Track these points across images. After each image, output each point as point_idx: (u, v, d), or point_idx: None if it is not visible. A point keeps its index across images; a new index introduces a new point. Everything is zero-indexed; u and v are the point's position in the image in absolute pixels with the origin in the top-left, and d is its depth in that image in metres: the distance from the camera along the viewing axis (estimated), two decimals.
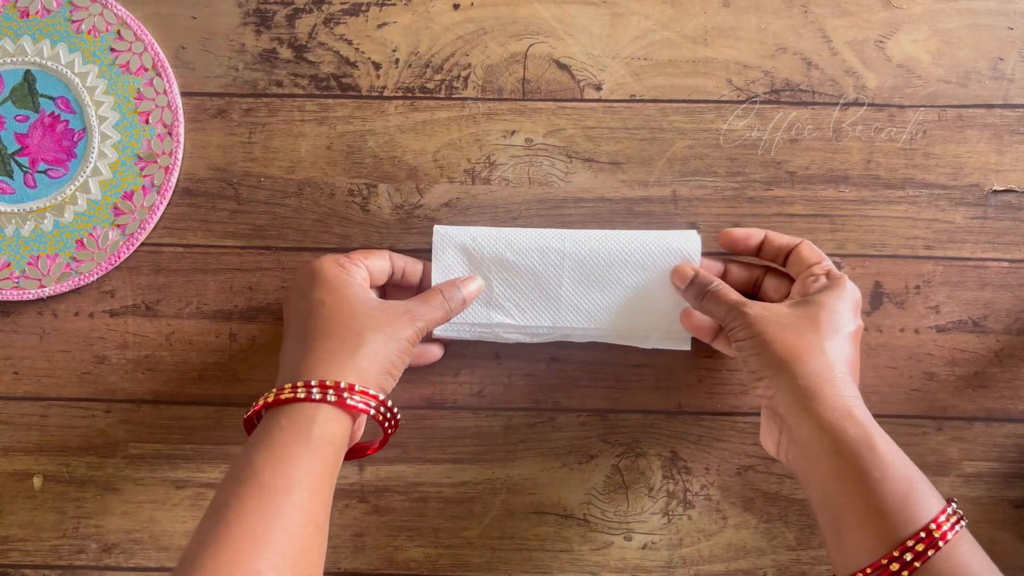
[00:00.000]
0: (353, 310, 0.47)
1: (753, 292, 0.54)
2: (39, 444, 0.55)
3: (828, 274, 0.50)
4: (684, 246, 0.52)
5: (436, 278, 0.53)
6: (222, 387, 0.55)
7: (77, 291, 0.56)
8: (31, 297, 0.55)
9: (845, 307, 0.48)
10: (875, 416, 0.55)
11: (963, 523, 0.41)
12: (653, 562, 0.55)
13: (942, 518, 0.41)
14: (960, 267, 0.55)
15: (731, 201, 0.55)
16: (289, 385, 0.45)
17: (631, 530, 0.55)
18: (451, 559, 0.55)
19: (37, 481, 0.56)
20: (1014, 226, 0.55)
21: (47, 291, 0.55)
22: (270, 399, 0.45)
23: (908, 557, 0.40)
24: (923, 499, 0.41)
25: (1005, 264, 0.55)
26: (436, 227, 0.53)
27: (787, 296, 0.52)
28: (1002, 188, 0.55)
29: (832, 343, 0.46)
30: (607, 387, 0.55)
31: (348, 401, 0.45)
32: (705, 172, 0.55)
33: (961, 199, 0.55)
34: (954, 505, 0.42)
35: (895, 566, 0.40)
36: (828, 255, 0.55)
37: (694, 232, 0.53)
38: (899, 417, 0.55)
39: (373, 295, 0.50)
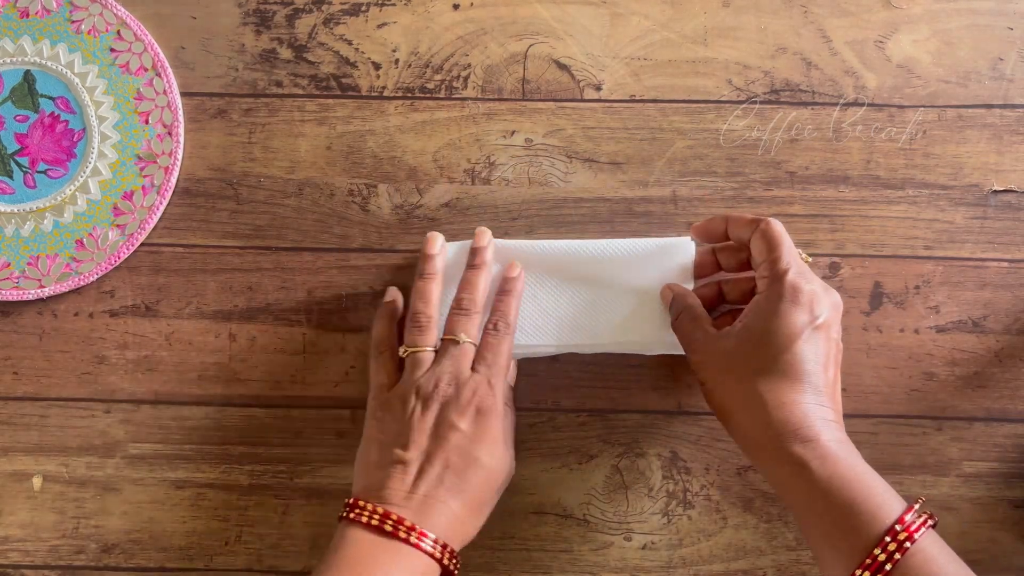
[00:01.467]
0: (493, 478, 0.47)
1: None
2: (39, 444, 0.55)
3: (770, 272, 0.47)
4: (678, 254, 0.52)
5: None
6: (222, 387, 0.55)
7: (77, 291, 0.56)
8: (31, 297, 0.55)
9: (784, 319, 0.45)
10: (875, 416, 0.55)
11: (929, 520, 0.41)
12: (653, 562, 0.55)
13: (908, 516, 0.41)
14: (960, 267, 0.55)
15: (731, 201, 0.55)
16: (409, 523, 0.44)
17: (631, 530, 0.55)
18: None
19: (37, 481, 0.56)
20: (1014, 226, 0.55)
21: (47, 291, 0.55)
22: (375, 515, 0.45)
23: (881, 557, 0.40)
24: (876, 511, 0.41)
25: (1005, 264, 0.55)
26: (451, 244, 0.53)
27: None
28: (1002, 188, 0.55)
29: (769, 373, 0.44)
30: (607, 387, 0.55)
31: (442, 558, 0.45)
32: (705, 172, 0.55)
33: (961, 199, 0.55)
34: (919, 507, 0.42)
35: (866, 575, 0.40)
36: (828, 255, 0.55)
37: (687, 239, 0.52)
38: (899, 417, 0.55)
39: (506, 447, 0.49)
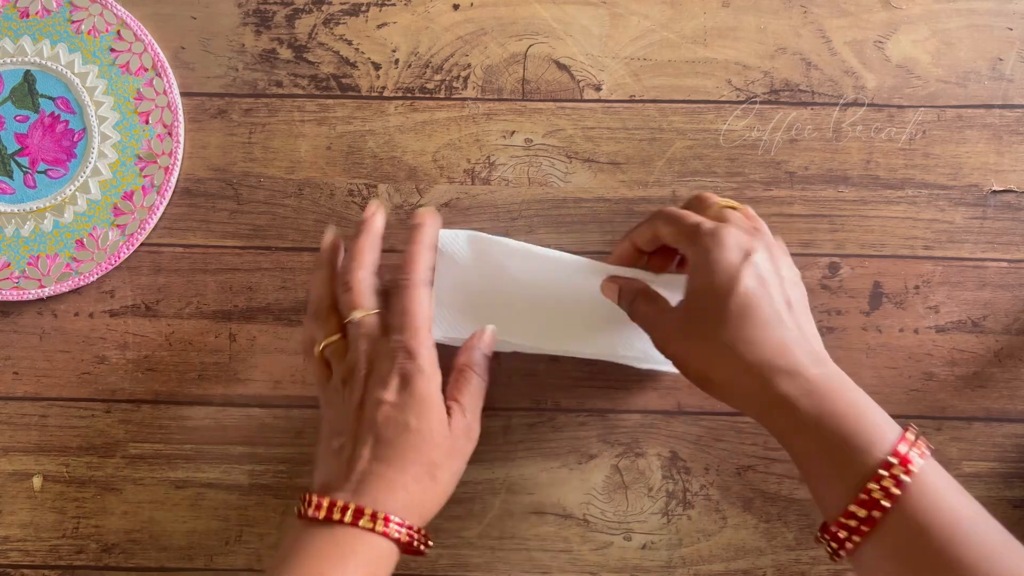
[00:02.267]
0: (431, 444, 0.45)
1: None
2: (39, 444, 0.55)
3: (688, 236, 0.46)
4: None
5: (438, 285, 0.50)
6: (222, 387, 0.55)
7: (77, 291, 0.56)
8: (31, 297, 0.55)
9: (717, 267, 0.44)
10: None
11: (926, 450, 0.40)
12: (653, 562, 0.55)
13: (902, 447, 0.40)
14: (959, 267, 0.55)
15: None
16: (343, 503, 0.43)
17: (631, 530, 0.55)
18: (451, 559, 0.55)
19: (37, 481, 0.56)
20: (1013, 226, 0.55)
21: (47, 291, 0.55)
22: (312, 502, 0.44)
23: (878, 494, 0.39)
24: (869, 439, 0.40)
25: (1004, 264, 0.55)
26: (440, 231, 0.51)
27: None
28: (1001, 188, 0.55)
29: (726, 324, 0.43)
30: (607, 387, 0.55)
31: (396, 536, 0.44)
32: (705, 172, 0.55)
33: (960, 199, 0.55)
34: (912, 431, 0.41)
35: (862, 512, 0.39)
36: (827, 255, 0.55)
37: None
38: (899, 417, 0.54)
39: (445, 415, 0.47)
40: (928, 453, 0.40)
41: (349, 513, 0.43)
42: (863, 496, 0.39)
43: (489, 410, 0.55)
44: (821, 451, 0.41)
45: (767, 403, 0.43)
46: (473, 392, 0.48)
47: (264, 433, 0.55)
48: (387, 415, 0.45)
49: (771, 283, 0.44)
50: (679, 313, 0.46)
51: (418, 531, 0.45)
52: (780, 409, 0.42)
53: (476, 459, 0.55)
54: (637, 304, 0.48)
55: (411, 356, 0.46)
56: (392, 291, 0.48)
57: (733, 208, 0.47)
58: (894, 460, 0.39)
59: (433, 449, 0.46)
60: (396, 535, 0.43)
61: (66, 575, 0.55)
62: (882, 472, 0.39)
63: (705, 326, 0.44)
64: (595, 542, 0.55)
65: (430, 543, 0.46)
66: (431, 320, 0.48)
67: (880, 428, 0.41)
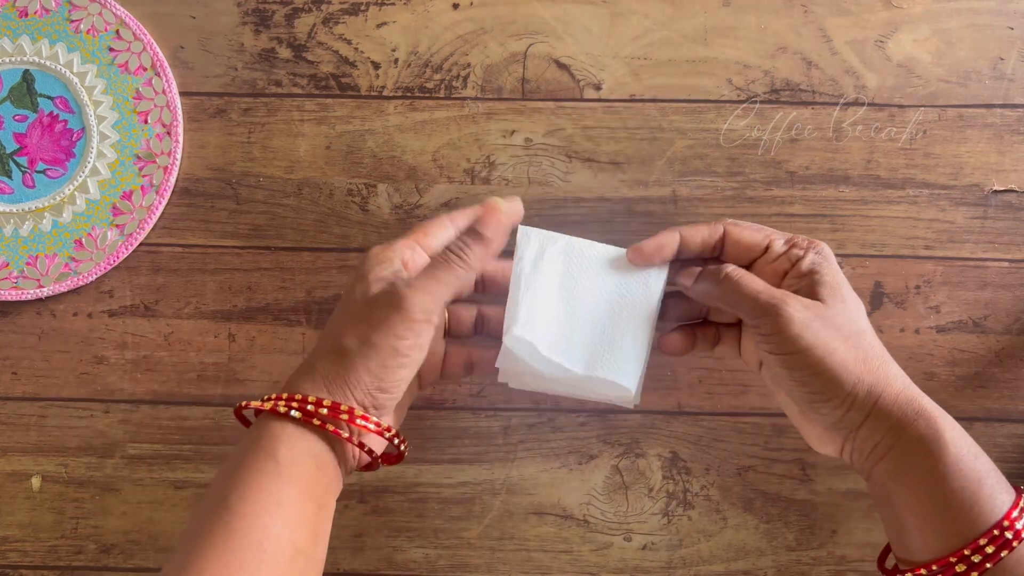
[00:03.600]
0: (345, 311, 0.42)
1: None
2: (37, 444, 0.55)
3: (796, 243, 0.45)
4: (646, 275, 0.47)
5: (515, 291, 0.46)
6: (221, 387, 0.55)
7: (76, 291, 0.55)
8: (30, 297, 0.55)
9: (853, 304, 0.44)
10: None
11: None
12: (653, 563, 0.55)
13: (1015, 513, 0.38)
14: (960, 267, 0.55)
15: (731, 201, 0.55)
16: (267, 396, 0.42)
17: (631, 531, 0.55)
18: (450, 560, 0.55)
19: (36, 481, 0.55)
20: (1014, 226, 0.55)
21: (46, 291, 0.55)
22: (244, 404, 0.42)
23: (976, 558, 0.38)
24: (993, 496, 0.39)
25: (1005, 264, 0.55)
26: (520, 227, 0.47)
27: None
28: (1002, 188, 0.55)
29: (868, 325, 0.43)
30: None
31: (315, 420, 0.40)
32: (705, 172, 0.55)
33: (961, 199, 0.55)
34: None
35: (961, 567, 0.38)
36: None
37: (660, 270, 0.48)
38: None
39: (379, 286, 0.42)
40: None
41: (268, 403, 0.41)
42: (965, 552, 0.38)
43: (489, 410, 0.55)
44: (945, 492, 0.39)
45: (903, 420, 0.41)
46: (436, 279, 0.42)
47: None
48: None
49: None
50: (814, 301, 0.42)
51: (321, 403, 0.41)
52: (915, 427, 0.41)
53: (476, 459, 0.55)
54: (745, 279, 0.43)
55: (385, 244, 0.44)
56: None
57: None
58: (1007, 524, 0.38)
59: (349, 309, 0.43)
60: (299, 408, 0.41)
61: (65, 575, 0.55)
62: (995, 533, 0.38)
63: (853, 321, 0.42)
64: (595, 543, 0.55)
65: (393, 435, 0.43)
66: (423, 236, 0.45)
67: (999, 482, 0.40)
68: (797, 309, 0.41)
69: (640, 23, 0.56)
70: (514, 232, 0.47)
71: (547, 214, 0.55)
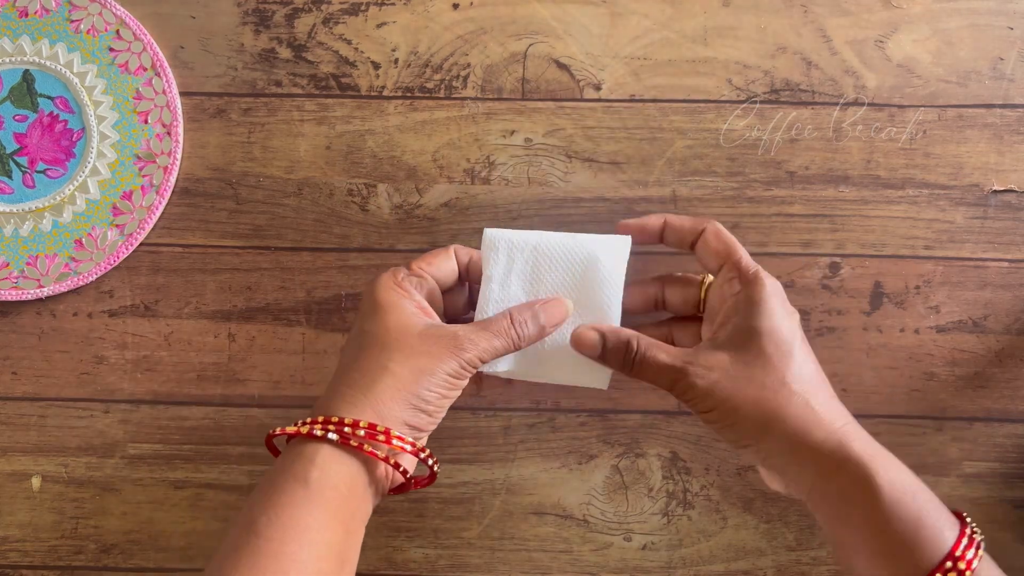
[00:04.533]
0: (386, 339, 0.43)
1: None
2: (38, 444, 0.55)
3: (739, 273, 0.45)
4: (611, 253, 0.48)
5: (485, 292, 0.48)
6: (221, 387, 0.55)
7: (76, 291, 0.55)
8: (30, 297, 0.55)
9: (778, 315, 0.43)
10: (875, 416, 0.55)
11: (982, 543, 0.39)
12: (653, 563, 0.55)
13: (961, 546, 0.39)
14: (960, 267, 0.55)
15: (731, 201, 0.55)
16: (301, 420, 0.42)
17: (631, 531, 0.55)
18: (450, 559, 0.55)
19: (36, 481, 0.55)
20: (1014, 226, 0.55)
21: (46, 291, 0.55)
22: (276, 431, 0.43)
23: None
24: (936, 533, 0.39)
25: (1005, 264, 0.55)
26: (487, 230, 0.49)
27: (702, 307, 0.48)
28: (1002, 188, 0.55)
29: (793, 370, 0.42)
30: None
31: (352, 441, 0.41)
32: (705, 172, 0.55)
33: (961, 199, 0.55)
34: (970, 526, 0.40)
35: None
36: (828, 255, 0.55)
37: (624, 237, 0.48)
38: (899, 417, 0.55)
39: (422, 320, 0.44)
40: (983, 547, 0.40)
41: (304, 427, 0.41)
42: None
43: (489, 410, 0.55)
44: (887, 531, 0.39)
45: (837, 467, 0.41)
46: (494, 332, 0.45)
47: (263, 433, 0.55)
48: (352, 333, 0.45)
49: (814, 361, 0.44)
50: (720, 356, 0.43)
51: (358, 424, 0.41)
52: (850, 475, 0.40)
53: (476, 459, 0.55)
54: (644, 352, 0.44)
55: (378, 274, 0.46)
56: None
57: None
58: (958, 555, 0.39)
59: (382, 350, 0.43)
60: (318, 431, 0.41)
61: (65, 575, 0.55)
62: (947, 565, 0.38)
63: (766, 374, 0.42)
64: (595, 543, 0.55)
65: (429, 457, 0.44)
66: (429, 265, 0.46)
67: (940, 517, 0.40)
68: (699, 376, 0.42)
69: (640, 23, 0.56)
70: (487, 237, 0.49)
71: (547, 214, 0.55)
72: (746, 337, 0.43)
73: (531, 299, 0.48)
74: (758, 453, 0.43)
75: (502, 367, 0.48)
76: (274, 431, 0.43)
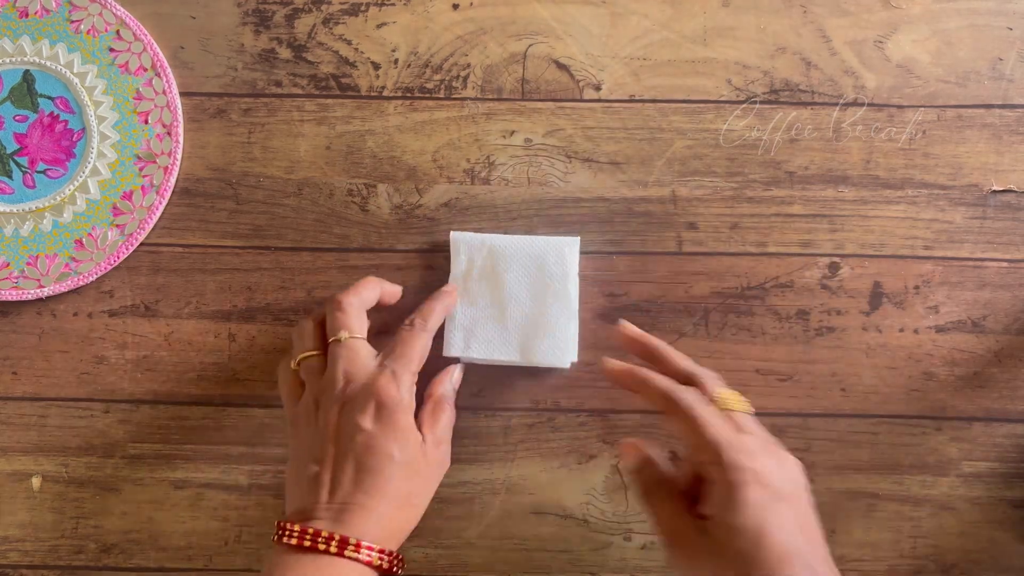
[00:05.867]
0: (413, 471, 0.47)
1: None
2: (38, 444, 0.55)
3: (719, 468, 0.42)
4: (561, 251, 0.53)
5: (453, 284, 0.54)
6: (221, 387, 0.55)
7: (76, 291, 0.56)
8: (30, 297, 0.55)
9: (744, 509, 0.41)
10: (874, 416, 0.55)
11: None
12: (653, 562, 0.55)
13: None
14: (959, 267, 0.55)
15: (731, 201, 0.55)
16: (327, 533, 0.44)
17: (631, 530, 0.55)
18: (450, 559, 0.55)
19: (36, 481, 0.55)
20: (1013, 226, 0.55)
21: (46, 291, 0.55)
22: (295, 532, 0.44)
23: None
24: None
25: (1004, 264, 0.55)
26: (452, 233, 0.54)
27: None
28: (1001, 188, 0.55)
29: (760, 570, 0.40)
30: (607, 387, 0.55)
31: (380, 563, 0.44)
32: (704, 172, 0.55)
33: (960, 199, 0.55)
34: None
35: None
36: (827, 255, 0.55)
37: (575, 238, 0.54)
38: (898, 417, 0.55)
39: (417, 435, 0.48)
40: None
41: (334, 543, 0.43)
42: None
43: (489, 410, 0.55)
44: None
45: None
46: (446, 423, 0.50)
47: (263, 433, 0.55)
48: (367, 443, 0.45)
49: (795, 523, 0.42)
50: (704, 540, 0.42)
51: (393, 555, 0.45)
52: None
53: (476, 459, 0.55)
54: (652, 491, 0.46)
55: (394, 381, 0.47)
56: (397, 330, 0.50)
57: (732, 408, 0.45)
58: None
59: (413, 477, 0.46)
60: (377, 562, 0.44)
61: (65, 575, 0.55)
62: None
63: (737, 566, 0.41)
64: (595, 542, 0.55)
65: (404, 566, 0.47)
66: (420, 365, 0.49)
67: None
68: (676, 556, 0.44)
69: (640, 23, 0.56)
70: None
71: (547, 214, 0.55)
72: (714, 528, 0.42)
73: (491, 293, 0.53)
74: None
75: (474, 353, 0.53)
76: (308, 543, 0.44)
